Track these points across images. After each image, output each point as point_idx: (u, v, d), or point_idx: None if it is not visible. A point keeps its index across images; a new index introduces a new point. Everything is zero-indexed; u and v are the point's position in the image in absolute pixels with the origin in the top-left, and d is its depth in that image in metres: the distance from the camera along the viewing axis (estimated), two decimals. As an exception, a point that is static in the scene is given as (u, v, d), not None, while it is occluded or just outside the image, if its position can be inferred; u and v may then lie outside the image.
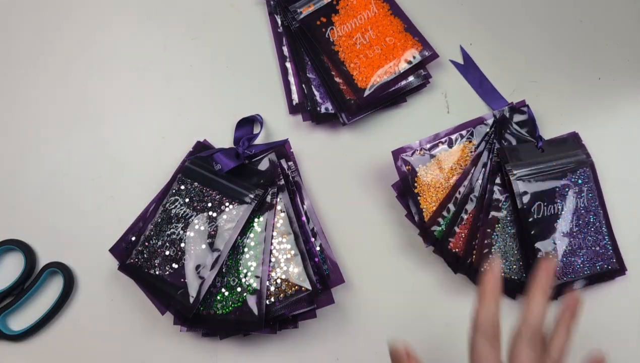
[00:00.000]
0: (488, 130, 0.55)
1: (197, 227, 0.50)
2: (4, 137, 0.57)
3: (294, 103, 0.57)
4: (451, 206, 0.52)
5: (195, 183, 0.52)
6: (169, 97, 0.58)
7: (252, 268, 0.49)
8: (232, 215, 0.50)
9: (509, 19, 0.61)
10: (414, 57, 0.56)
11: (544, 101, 0.58)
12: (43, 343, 0.51)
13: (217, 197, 0.51)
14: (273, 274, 0.50)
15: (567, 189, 0.52)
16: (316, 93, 0.57)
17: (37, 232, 0.54)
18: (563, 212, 0.52)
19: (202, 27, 0.61)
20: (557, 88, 0.59)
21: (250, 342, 0.51)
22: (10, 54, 0.59)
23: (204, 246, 0.50)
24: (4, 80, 0.59)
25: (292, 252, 0.50)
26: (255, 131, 0.57)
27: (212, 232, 0.50)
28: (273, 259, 0.50)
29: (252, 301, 0.48)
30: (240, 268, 0.49)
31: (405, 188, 0.52)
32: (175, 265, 0.49)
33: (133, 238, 0.51)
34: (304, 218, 0.52)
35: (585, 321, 0.52)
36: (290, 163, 0.54)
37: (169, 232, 0.50)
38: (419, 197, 0.52)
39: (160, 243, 0.50)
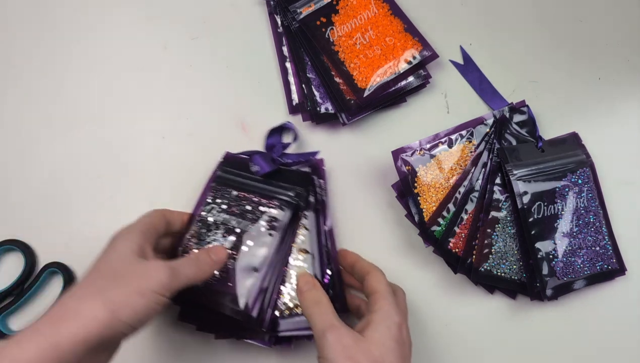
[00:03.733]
0: (488, 130, 0.55)
1: (238, 231, 0.49)
2: (4, 136, 0.57)
3: (294, 103, 0.57)
4: (451, 206, 0.52)
5: (231, 191, 0.51)
6: (169, 97, 0.58)
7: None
8: (273, 216, 0.49)
9: (509, 19, 0.61)
10: (414, 57, 0.56)
11: (544, 101, 0.58)
12: (43, 343, 0.51)
13: (256, 199, 0.50)
14: (282, 287, 0.48)
15: (567, 189, 0.52)
16: (316, 93, 0.57)
17: (37, 232, 0.54)
18: (563, 212, 0.52)
19: (202, 27, 0.61)
20: (557, 88, 0.59)
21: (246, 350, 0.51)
22: (10, 54, 0.59)
23: (246, 248, 0.48)
24: (3, 80, 0.59)
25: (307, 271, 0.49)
26: (286, 140, 0.56)
27: (255, 234, 0.48)
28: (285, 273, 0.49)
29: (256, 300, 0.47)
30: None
31: (405, 189, 0.52)
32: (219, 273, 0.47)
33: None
34: (324, 240, 0.50)
35: (585, 321, 0.52)
36: (322, 181, 0.52)
37: (209, 240, 0.49)
38: (419, 197, 0.52)
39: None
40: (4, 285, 0.51)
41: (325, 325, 0.40)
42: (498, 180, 0.52)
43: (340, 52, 0.56)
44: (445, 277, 0.53)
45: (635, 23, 0.62)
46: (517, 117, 0.55)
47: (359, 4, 0.58)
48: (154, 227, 0.44)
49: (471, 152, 0.54)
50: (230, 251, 0.48)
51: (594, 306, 0.53)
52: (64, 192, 0.55)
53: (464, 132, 0.54)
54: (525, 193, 0.51)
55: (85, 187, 0.55)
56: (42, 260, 0.53)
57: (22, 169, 0.56)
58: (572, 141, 0.55)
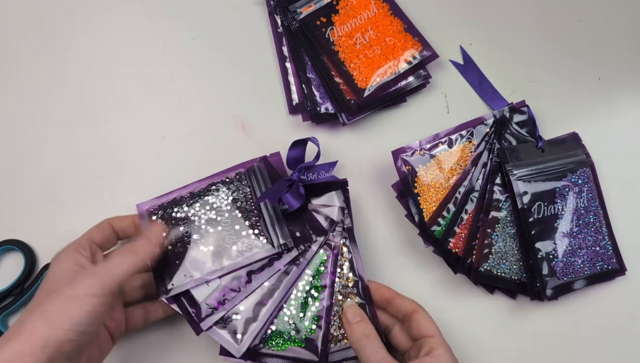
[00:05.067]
0: (488, 130, 0.55)
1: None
2: (5, 137, 0.57)
3: (294, 103, 0.57)
4: (451, 206, 0.52)
5: (247, 189, 0.49)
6: (169, 97, 0.58)
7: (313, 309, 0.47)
8: (249, 246, 0.47)
9: (509, 19, 0.61)
10: (414, 57, 0.56)
11: (544, 101, 0.58)
12: (43, 343, 0.51)
13: (254, 219, 0.48)
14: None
15: (567, 189, 0.52)
16: (316, 93, 0.57)
17: (37, 232, 0.54)
18: (563, 212, 0.52)
19: (202, 27, 0.61)
20: (557, 88, 0.59)
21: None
22: (10, 54, 0.59)
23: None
24: (4, 80, 0.59)
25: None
26: (308, 155, 0.53)
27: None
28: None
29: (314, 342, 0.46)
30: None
31: (405, 189, 0.52)
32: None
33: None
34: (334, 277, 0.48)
35: (585, 321, 0.52)
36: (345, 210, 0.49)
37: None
38: (419, 197, 0.52)
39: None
40: (4, 285, 0.51)
41: (377, 359, 0.41)
42: (498, 180, 0.52)
43: (340, 52, 0.56)
44: (445, 277, 0.53)
45: (635, 23, 0.62)
46: (517, 117, 0.55)
47: (359, 4, 0.58)
48: (90, 241, 0.45)
49: (471, 152, 0.54)
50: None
51: (594, 306, 0.53)
52: (65, 192, 0.55)
53: (464, 132, 0.54)
54: (525, 193, 0.51)
55: (86, 187, 0.55)
56: (42, 260, 0.53)
57: (22, 169, 0.56)
58: (572, 141, 0.55)
